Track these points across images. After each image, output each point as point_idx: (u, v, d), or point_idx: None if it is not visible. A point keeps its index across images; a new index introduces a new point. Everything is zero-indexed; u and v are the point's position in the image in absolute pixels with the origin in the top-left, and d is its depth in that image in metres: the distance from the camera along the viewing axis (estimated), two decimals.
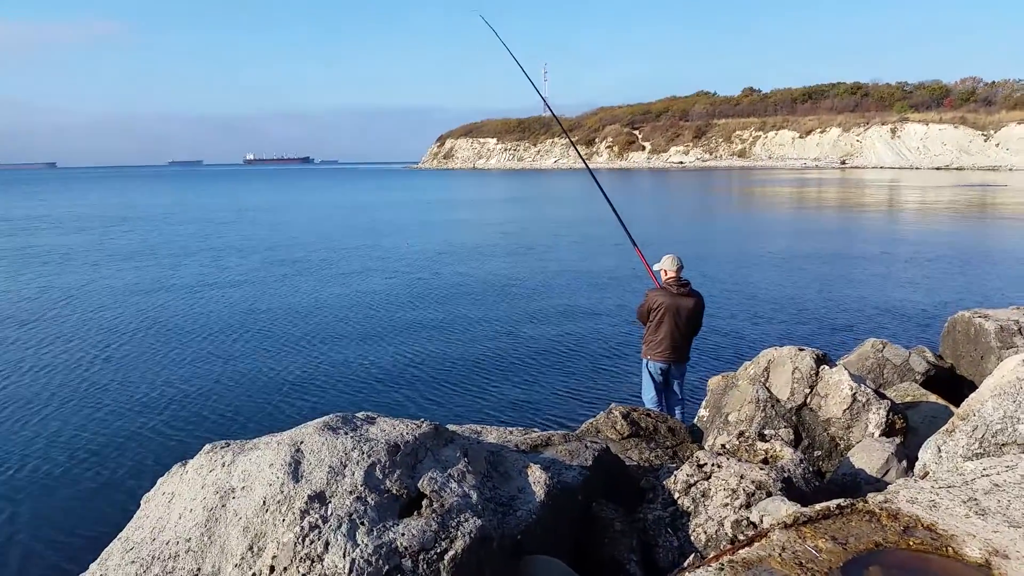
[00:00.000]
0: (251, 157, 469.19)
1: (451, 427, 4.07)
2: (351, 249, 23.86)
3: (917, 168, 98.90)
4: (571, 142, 10.45)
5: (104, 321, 13.54)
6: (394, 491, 3.04)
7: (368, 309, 14.21)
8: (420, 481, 3.12)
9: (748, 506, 3.63)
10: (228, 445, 3.48)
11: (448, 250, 23.38)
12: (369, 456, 3.13)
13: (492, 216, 38.90)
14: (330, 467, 3.07)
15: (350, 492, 2.96)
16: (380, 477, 3.06)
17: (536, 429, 4.49)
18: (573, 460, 3.87)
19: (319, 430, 3.31)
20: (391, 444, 3.22)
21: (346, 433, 3.28)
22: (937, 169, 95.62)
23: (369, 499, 2.96)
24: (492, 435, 4.21)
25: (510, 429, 4.38)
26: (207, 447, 3.48)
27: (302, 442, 3.24)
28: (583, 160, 9.95)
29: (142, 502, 3.45)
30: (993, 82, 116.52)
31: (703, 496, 3.78)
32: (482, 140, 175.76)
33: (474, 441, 3.59)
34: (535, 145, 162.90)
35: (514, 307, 14.26)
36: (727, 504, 3.66)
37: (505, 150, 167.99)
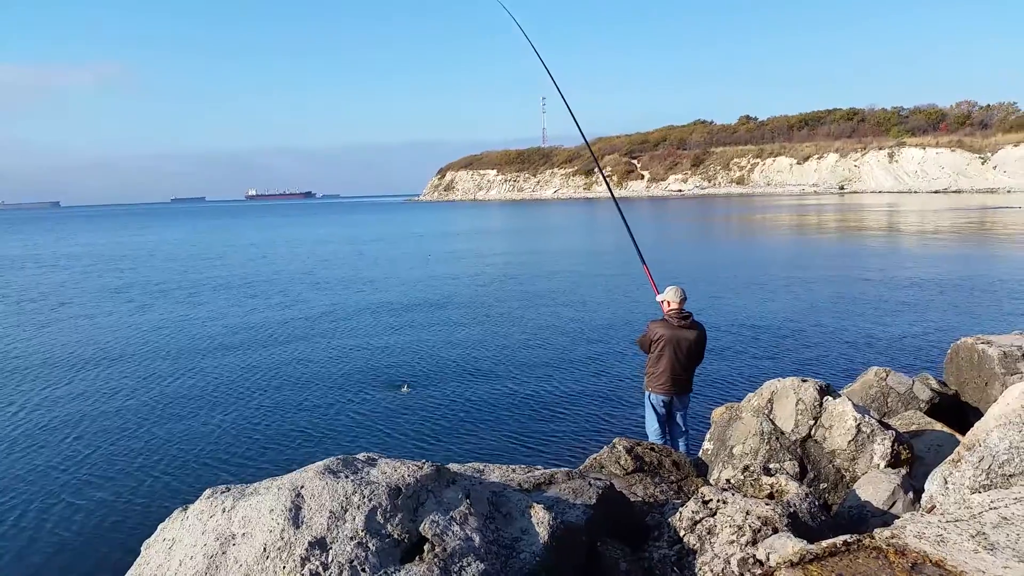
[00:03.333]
0: (253, 192, 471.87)
1: (453, 466, 4.04)
2: (348, 286, 23.86)
3: (916, 192, 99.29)
4: (603, 177, 10.45)
5: (102, 363, 13.51)
6: (395, 536, 3.01)
7: (368, 348, 14.13)
8: (422, 525, 3.09)
9: (754, 543, 3.59)
10: (229, 490, 3.45)
11: (445, 285, 23.36)
12: (370, 500, 3.11)
13: (491, 247, 39.01)
14: (331, 512, 3.05)
15: (351, 538, 2.93)
16: (381, 522, 3.04)
17: (539, 466, 4.45)
18: (577, 498, 3.83)
19: (320, 474, 3.29)
20: (392, 487, 3.19)
21: (347, 476, 3.25)
22: (935, 192, 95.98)
23: (370, 545, 2.93)
24: (495, 474, 4.18)
25: (513, 467, 4.34)
26: (208, 492, 3.46)
27: (303, 486, 3.21)
28: (609, 189, 9.87)
29: (143, 548, 3.42)
30: (988, 105, 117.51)
31: (709, 533, 3.74)
32: (482, 172, 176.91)
33: (476, 481, 3.56)
34: (535, 176, 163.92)
35: (514, 342, 14.21)
36: (733, 541, 3.62)
37: (505, 181, 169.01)
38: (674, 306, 6.78)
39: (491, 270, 27.19)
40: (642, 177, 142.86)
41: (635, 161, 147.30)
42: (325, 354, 13.57)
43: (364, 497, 3.12)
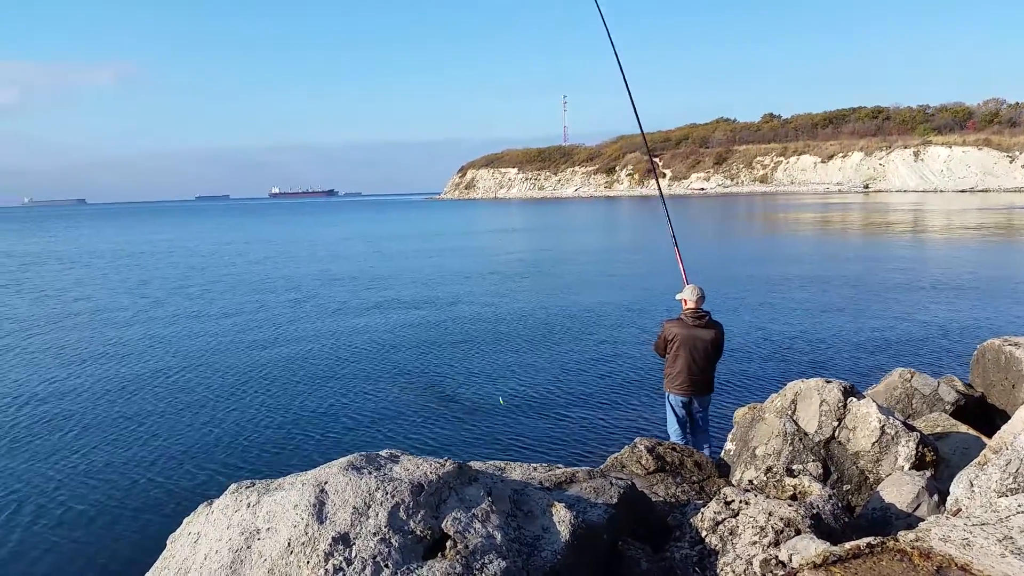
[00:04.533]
0: (276, 191, 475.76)
1: (475, 464, 4.06)
2: (369, 284, 23.98)
3: (942, 191, 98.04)
4: (655, 174, 10.31)
5: (130, 358, 13.70)
6: (418, 532, 3.03)
7: (390, 344, 14.21)
8: (444, 522, 3.11)
9: (777, 544, 3.57)
10: (253, 485, 3.49)
11: (467, 282, 23.44)
12: (393, 496, 3.13)
13: (513, 245, 39.05)
14: (354, 508, 3.07)
15: (374, 534, 2.96)
16: (404, 518, 3.06)
17: (560, 465, 4.46)
18: (598, 497, 3.83)
19: (343, 470, 3.32)
20: (415, 484, 3.22)
21: (370, 473, 3.28)
22: (962, 192, 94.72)
23: (393, 541, 2.96)
24: (516, 472, 4.19)
25: (534, 465, 4.35)
26: (232, 487, 3.50)
27: (326, 482, 3.25)
28: (659, 187, 9.81)
29: (168, 542, 3.47)
30: (1017, 103, 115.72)
31: (731, 534, 3.73)
32: (503, 170, 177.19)
33: (498, 479, 3.58)
34: (555, 174, 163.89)
35: (535, 340, 14.22)
36: (755, 542, 3.61)
37: (526, 179, 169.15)
38: (690, 305, 6.75)
39: (510, 268, 27.23)
40: (664, 175, 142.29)
41: (657, 159, 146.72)
42: (348, 352, 13.67)
43: (387, 493, 3.14)
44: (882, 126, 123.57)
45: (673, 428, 7.02)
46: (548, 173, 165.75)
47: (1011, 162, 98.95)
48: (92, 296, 22.63)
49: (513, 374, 11.68)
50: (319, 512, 3.08)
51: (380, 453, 3.54)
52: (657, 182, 8.82)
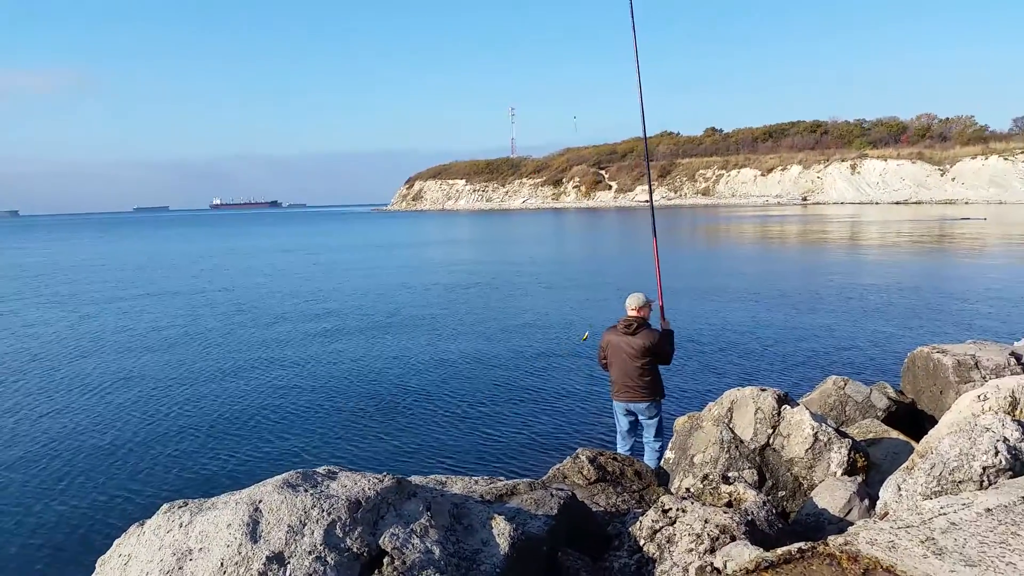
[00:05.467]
0: (218, 202, 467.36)
1: (415, 479, 4.04)
2: (308, 296, 23.67)
3: (877, 203, 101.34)
4: (648, 182, 10.26)
5: (53, 374, 13.25)
6: (355, 549, 3.00)
7: (328, 359, 13.99)
8: (382, 538, 3.09)
9: (713, 551, 3.64)
10: (186, 504, 3.42)
11: (408, 295, 23.29)
12: (329, 514, 3.09)
13: (457, 257, 39.02)
14: (289, 526, 3.03)
15: (309, 552, 2.92)
16: (340, 535, 3.03)
17: (502, 477, 4.47)
18: (538, 509, 3.85)
19: (278, 488, 3.27)
20: (352, 500, 3.18)
21: (306, 490, 3.24)
22: (896, 204, 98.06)
23: (329, 559, 2.92)
24: (457, 486, 4.18)
25: (475, 479, 4.35)
26: (165, 506, 3.42)
27: (261, 500, 3.19)
28: (650, 194, 9.57)
29: (97, 565, 3.37)
30: (947, 118, 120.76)
31: (668, 542, 3.78)
32: (451, 182, 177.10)
33: (438, 493, 3.57)
34: (503, 186, 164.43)
35: (478, 352, 14.20)
36: (692, 550, 3.67)
37: (474, 191, 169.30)
38: (628, 312, 6.88)
39: (453, 280, 27.17)
40: (610, 188, 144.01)
41: (603, 172, 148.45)
42: (285, 366, 13.42)
43: (323, 511, 3.10)
44: (820, 140, 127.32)
45: (617, 436, 7.14)
46: (496, 185, 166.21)
47: (942, 175, 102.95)
48: (17, 311, 21.83)
49: (456, 387, 11.62)
50: (253, 531, 3.03)
51: (317, 470, 3.49)
52: (650, 193, 8.81)
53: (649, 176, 9.49)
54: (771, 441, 5.13)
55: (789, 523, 4.56)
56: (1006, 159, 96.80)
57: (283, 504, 3.14)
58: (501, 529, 3.41)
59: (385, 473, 3.50)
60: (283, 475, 3.41)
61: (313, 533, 3.00)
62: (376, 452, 8.65)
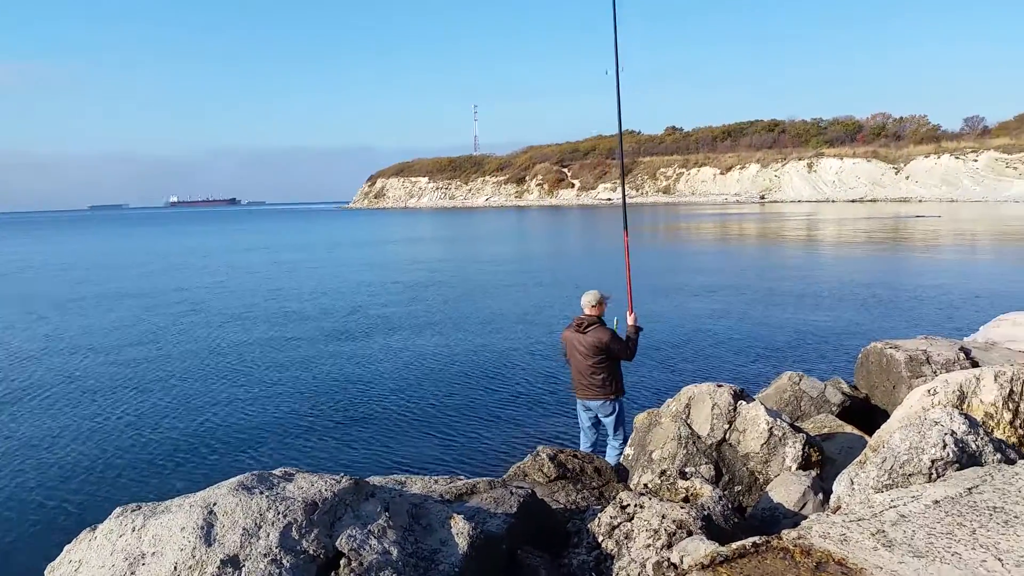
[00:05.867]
0: (175, 199, 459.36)
1: (374, 479, 4.02)
2: (265, 295, 23.36)
3: (833, 201, 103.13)
4: (622, 182, 10.24)
5: (6, 378, 12.90)
6: (311, 551, 2.98)
7: (286, 358, 13.80)
8: (339, 539, 3.07)
9: (670, 546, 3.68)
10: (139, 508, 3.36)
11: (367, 293, 23.11)
12: (285, 516, 3.06)
13: (418, 255, 38.86)
14: (244, 529, 2.99)
15: (264, 555, 2.89)
16: (296, 537, 3.00)
17: (462, 477, 4.47)
18: (498, 507, 3.86)
19: (233, 490, 3.23)
20: (308, 502, 3.16)
21: (261, 492, 3.20)
22: (852, 202, 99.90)
23: (285, 561, 2.89)
24: (416, 486, 4.17)
25: (435, 478, 4.34)
26: (117, 510, 3.37)
27: (215, 503, 3.15)
28: (623, 192, 9.62)
29: (47, 572, 3.30)
30: (901, 117, 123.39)
31: (626, 538, 3.81)
32: (413, 179, 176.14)
33: (396, 493, 3.55)
34: (466, 184, 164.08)
35: (439, 351, 14.14)
36: (649, 545, 3.70)
37: (436, 189, 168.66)
38: (583, 310, 6.94)
39: (413, 278, 27.03)
40: (573, 186, 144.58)
41: (565, 170, 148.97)
42: (241, 366, 13.22)
43: (279, 513, 3.07)
44: (778, 139, 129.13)
45: (581, 431, 7.21)
46: (459, 183, 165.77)
47: (897, 173, 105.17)
48: None
49: (416, 386, 11.55)
50: (207, 534, 2.99)
51: (273, 472, 3.46)
52: (623, 191, 8.82)
53: (623, 174, 9.53)
54: (728, 436, 5.21)
55: (745, 517, 4.63)
56: (957, 158, 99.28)
57: (238, 506, 3.10)
58: (460, 528, 3.41)
59: (343, 474, 3.47)
60: (238, 477, 3.37)
61: (269, 535, 2.97)
62: (334, 453, 8.56)
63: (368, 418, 9.92)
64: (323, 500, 3.19)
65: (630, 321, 7.03)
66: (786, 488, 4.66)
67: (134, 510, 3.34)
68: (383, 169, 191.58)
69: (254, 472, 3.41)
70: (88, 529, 3.37)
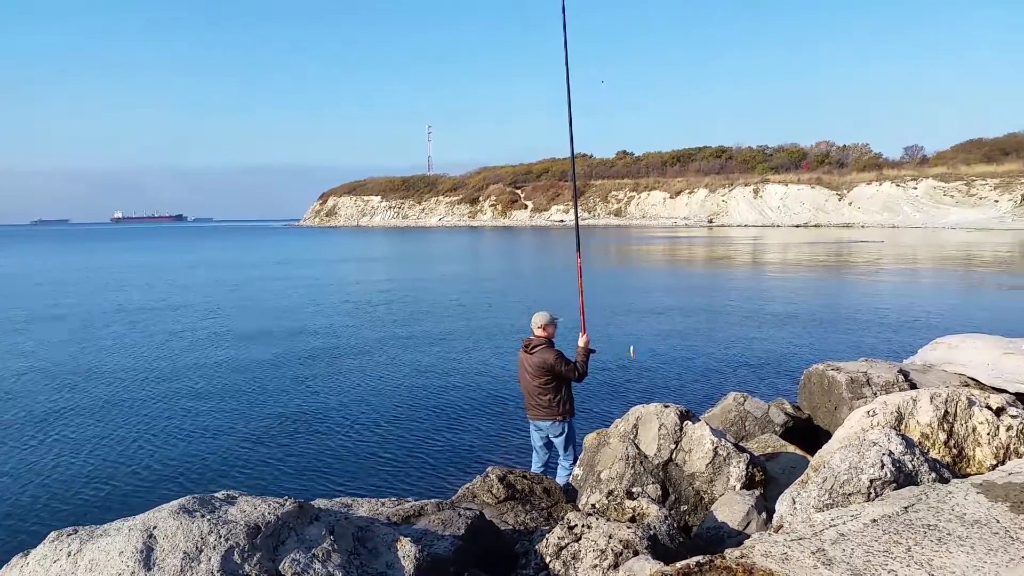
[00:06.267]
0: (119, 215, 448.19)
1: (320, 502, 3.96)
2: (208, 313, 22.88)
3: (778, 226, 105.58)
4: (575, 203, 10.20)
5: None
6: (254, 575, 2.92)
7: (231, 378, 13.51)
8: (282, 564, 3.02)
9: (616, 566, 3.70)
10: (76, 532, 3.26)
11: (315, 312, 22.80)
12: (227, 540, 3.00)
13: (368, 275, 38.56)
14: (185, 553, 2.92)
15: None
16: (239, 561, 2.94)
17: (410, 499, 4.43)
18: (446, 530, 3.84)
19: (174, 513, 3.15)
20: (251, 525, 3.10)
21: (203, 516, 3.13)
22: (796, 227, 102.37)
23: None
24: (363, 508, 4.12)
25: (383, 500, 4.30)
26: (52, 535, 3.26)
27: (155, 527, 3.08)
28: (575, 215, 9.48)
29: None
30: (844, 146, 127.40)
31: (573, 558, 3.83)
32: (366, 198, 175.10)
33: (342, 516, 3.51)
34: (420, 203, 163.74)
35: (390, 371, 14.00)
36: (596, 565, 3.72)
37: (389, 208, 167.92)
38: (532, 331, 6.97)
39: (363, 298, 26.77)
40: (526, 207, 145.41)
41: (519, 191, 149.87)
42: (183, 386, 12.89)
43: (221, 537, 3.01)
44: (725, 165, 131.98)
45: (533, 451, 7.22)
46: (412, 202, 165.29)
47: (840, 200, 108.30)
48: None
49: (365, 407, 11.40)
50: (147, 559, 2.91)
51: (215, 495, 3.39)
52: (576, 213, 8.82)
53: (576, 197, 9.58)
54: (674, 456, 5.27)
55: (691, 537, 4.69)
56: (898, 185, 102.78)
57: (179, 530, 3.03)
58: (407, 551, 3.39)
59: (287, 497, 3.42)
60: (179, 500, 3.29)
61: (210, 560, 2.91)
62: (280, 476, 8.40)
63: (315, 440, 9.74)
64: (266, 523, 3.14)
65: (581, 343, 7.01)
66: (730, 507, 4.73)
67: (70, 534, 3.24)
68: (335, 187, 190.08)
69: (196, 495, 3.34)
70: (20, 555, 3.26)
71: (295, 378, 13.45)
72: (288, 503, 3.32)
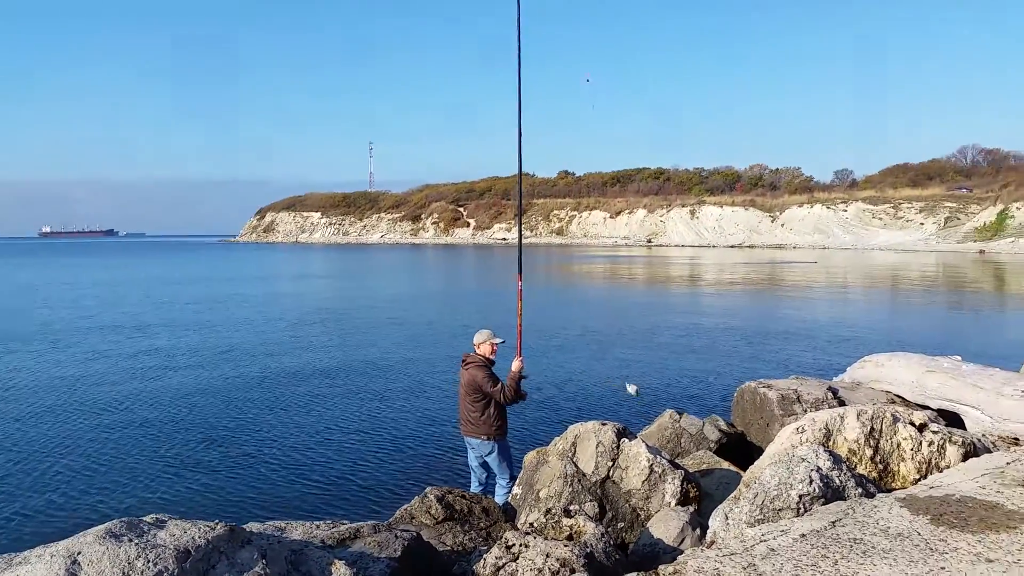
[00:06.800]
0: (47, 229, 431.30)
1: (253, 525, 3.89)
2: (136, 332, 22.18)
3: (714, 246, 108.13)
4: (519, 223, 10.14)
5: None
6: None
7: (160, 400, 13.08)
8: None
9: None
10: None
11: (249, 331, 22.28)
12: (156, 564, 2.92)
13: (306, 292, 37.99)
14: None
15: None
16: None
17: (346, 521, 4.37)
18: (382, 552, 3.80)
19: (100, 538, 3.05)
20: (181, 549, 3.02)
21: (130, 540, 3.04)
22: (731, 247, 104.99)
23: None
24: (297, 531, 4.05)
25: (317, 523, 4.23)
26: None
27: (79, 552, 2.97)
28: (519, 235, 9.27)
29: None
30: (777, 169, 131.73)
31: None
32: (306, 214, 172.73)
33: (275, 540, 3.45)
34: (361, 220, 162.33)
35: (324, 390, 13.77)
36: None
37: (330, 224, 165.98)
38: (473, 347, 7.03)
39: (299, 317, 26.28)
40: (468, 225, 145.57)
41: (461, 209, 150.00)
42: (111, 409, 12.42)
43: (149, 562, 2.93)
44: (663, 186, 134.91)
45: (471, 471, 7.21)
46: (353, 219, 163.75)
47: (772, 221, 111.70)
48: None
49: (301, 428, 11.16)
50: None
51: (144, 519, 3.29)
52: (519, 234, 8.78)
53: (520, 220, 9.58)
54: (611, 474, 5.33)
55: (627, 554, 4.74)
56: (828, 207, 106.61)
57: (105, 555, 2.93)
58: (341, 574, 3.34)
59: (218, 521, 3.34)
60: (106, 524, 3.19)
61: None
62: (212, 500, 8.16)
63: (249, 463, 9.49)
64: (196, 547, 3.06)
65: (514, 367, 6.92)
66: (665, 524, 4.81)
67: None
68: (273, 203, 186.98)
69: (123, 519, 3.23)
70: None
71: (227, 400, 13.08)
72: (219, 527, 3.24)
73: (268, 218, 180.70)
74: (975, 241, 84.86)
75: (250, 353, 18.04)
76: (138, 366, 16.25)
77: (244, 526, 3.59)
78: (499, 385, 6.79)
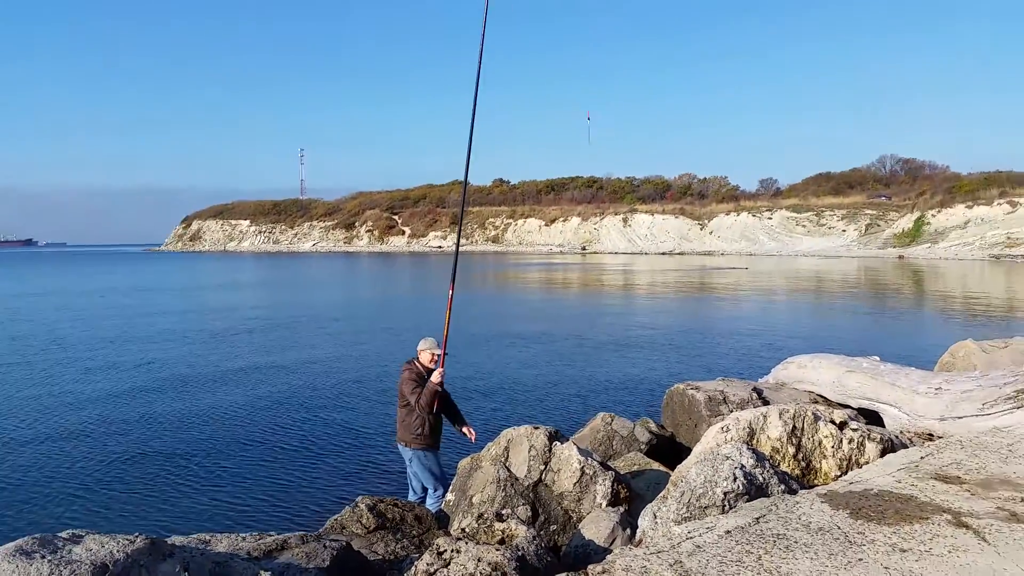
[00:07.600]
0: None
1: (176, 538, 3.78)
2: (50, 344, 21.22)
3: (646, 253, 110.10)
4: (459, 228, 9.95)
5: None
6: None
7: (74, 410, 12.59)
8: None
9: None
10: None
11: (168, 342, 21.52)
12: None
13: (230, 301, 37.10)
14: None
15: None
16: None
17: (273, 532, 4.28)
18: (310, 563, 3.74)
19: (9, 556, 2.92)
20: (98, 565, 2.92)
21: (43, 556, 2.92)
22: (662, 254, 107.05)
23: None
24: (222, 544, 3.96)
25: (243, 535, 4.14)
26: None
27: None
28: (457, 243, 9.06)
29: None
30: (705, 178, 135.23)
31: None
32: (234, 222, 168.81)
33: (198, 552, 3.36)
34: (292, 228, 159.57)
35: (249, 400, 13.43)
36: None
37: (259, 232, 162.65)
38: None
39: (224, 326, 25.54)
40: (403, 233, 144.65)
41: (396, 217, 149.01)
42: (21, 420, 11.90)
43: None
44: (596, 194, 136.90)
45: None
46: (284, 227, 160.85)
47: (702, 229, 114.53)
48: None
49: (225, 439, 10.84)
50: None
51: (58, 534, 3.16)
52: (457, 243, 8.68)
53: (460, 227, 9.44)
54: (543, 477, 5.38)
55: (560, 556, 4.78)
56: (754, 215, 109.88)
57: (14, 573, 2.81)
58: None
59: (138, 534, 3.24)
60: (16, 541, 3.05)
61: None
62: (132, 514, 7.86)
63: (172, 476, 9.18)
64: (114, 562, 2.96)
65: (434, 378, 6.80)
66: (596, 525, 4.86)
67: None
68: (200, 211, 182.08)
69: (35, 535, 3.10)
70: None
71: (147, 412, 12.60)
72: (139, 540, 3.14)
73: (195, 226, 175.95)
74: (895, 247, 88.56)
75: (171, 365, 17.44)
76: (51, 381, 15.54)
77: (166, 539, 3.48)
78: (416, 392, 6.72)
